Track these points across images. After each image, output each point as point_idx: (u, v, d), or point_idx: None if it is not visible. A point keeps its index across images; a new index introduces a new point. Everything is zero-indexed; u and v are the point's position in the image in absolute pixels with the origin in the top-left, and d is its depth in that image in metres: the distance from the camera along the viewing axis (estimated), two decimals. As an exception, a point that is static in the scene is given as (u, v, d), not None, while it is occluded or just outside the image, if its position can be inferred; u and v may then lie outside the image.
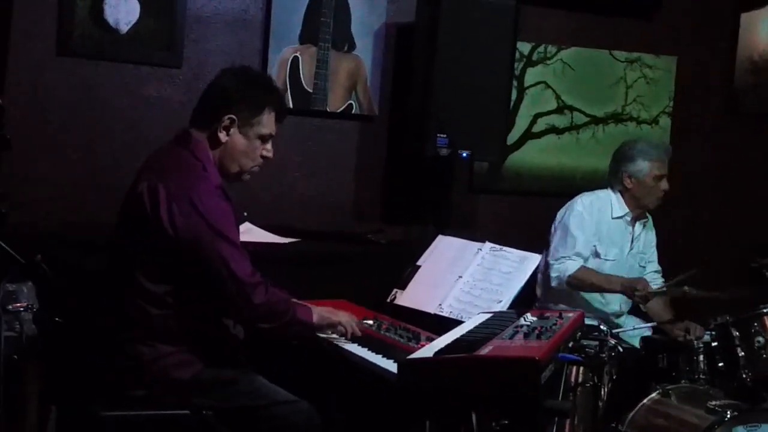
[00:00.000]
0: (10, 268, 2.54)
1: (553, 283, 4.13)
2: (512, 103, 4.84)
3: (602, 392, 3.47)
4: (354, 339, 3.14)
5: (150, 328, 2.86)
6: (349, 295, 3.55)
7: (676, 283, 3.95)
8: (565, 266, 4.10)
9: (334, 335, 3.15)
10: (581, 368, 3.39)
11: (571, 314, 2.97)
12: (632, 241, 4.31)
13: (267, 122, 3.02)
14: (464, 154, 4.33)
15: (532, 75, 4.97)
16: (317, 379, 3.27)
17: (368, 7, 4.55)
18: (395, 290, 3.57)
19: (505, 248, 3.50)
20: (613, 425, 3.59)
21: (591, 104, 5.12)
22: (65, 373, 2.98)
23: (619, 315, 4.32)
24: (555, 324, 2.79)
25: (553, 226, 4.28)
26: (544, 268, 4.22)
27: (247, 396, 2.91)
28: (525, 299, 3.48)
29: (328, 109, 4.53)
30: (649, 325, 4.12)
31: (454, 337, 2.78)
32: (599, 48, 5.11)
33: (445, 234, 3.77)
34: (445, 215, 4.41)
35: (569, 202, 4.29)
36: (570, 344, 2.83)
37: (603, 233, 4.23)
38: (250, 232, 3.84)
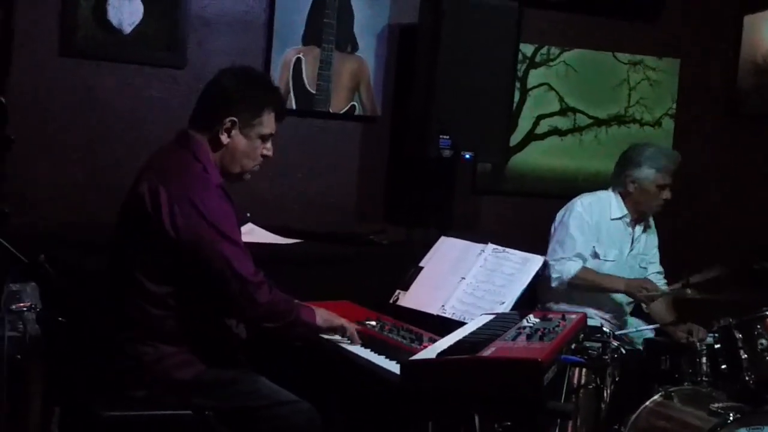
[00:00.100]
0: (13, 268, 2.54)
1: (554, 284, 4.12)
2: (515, 105, 4.84)
3: (605, 394, 3.47)
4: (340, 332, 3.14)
5: (152, 328, 2.86)
6: (352, 296, 3.54)
7: (697, 283, 3.93)
8: (566, 267, 4.10)
9: (337, 336, 3.15)
10: (584, 370, 3.39)
11: (573, 316, 2.97)
12: (632, 243, 4.31)
13: (267, 122, 3.02)
14: (467, 156, 4.33)
15: (535, 76, 4.97)
16: (319, 380, 3.26)
17: (371, 8, 4.55)
18: (398, 291, 3.57)
19: (507, 249, 3.50)
20: (616, 427, 3.59)
21: (594, 106, 5.12)
22: (68, 373, 2.98)
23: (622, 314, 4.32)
24: (558, 326, 2.79)
25: (552, 226, 4.28)
26: (542, 269, 4.21)
27: (248, 396, 2.91)
28: (527, 301, 3.48)
29: (330, 110, 4.53)
30: (652, 327, 4.12)
31: (457, 339, 2.78)
32: (602, 50, 5.11)
33: (447, 235, 3.77)
34: (447, 216, 4.41)
35: (569, 203, 4.29)
36: (573, 346, 2.83)
37: (602, 234, 4.22)
38: (253, 233, 3.84)
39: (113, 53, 4.11)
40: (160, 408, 2.84)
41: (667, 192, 4.20)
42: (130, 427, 2.81)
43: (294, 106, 4.43)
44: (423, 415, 2.89)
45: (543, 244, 4.22)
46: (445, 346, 2.66)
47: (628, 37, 5.17)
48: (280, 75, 4.37)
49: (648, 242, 4.38)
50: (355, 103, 4.58)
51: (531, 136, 5.01)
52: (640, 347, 3.99)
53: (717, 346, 3.73)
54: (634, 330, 4.12)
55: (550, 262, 4.13)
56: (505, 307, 3.24)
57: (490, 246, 3.54)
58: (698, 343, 3.76)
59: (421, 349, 2.83)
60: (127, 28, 4.12)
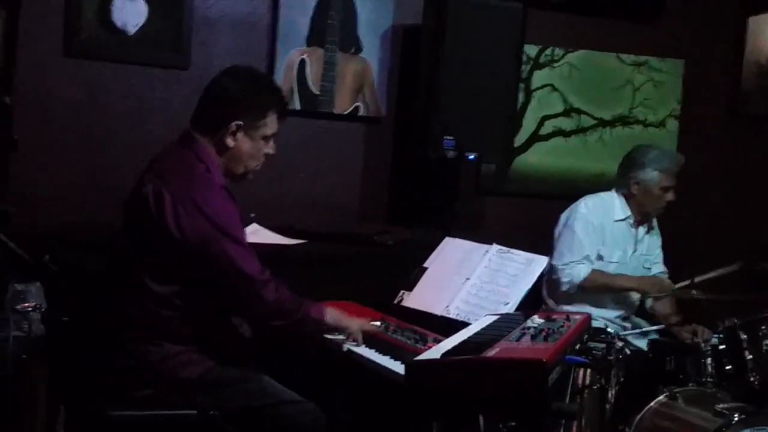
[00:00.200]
0: (17, 268, 2.54)
1: (564, 288, 4.12)
2: (519, 106, 4.84)
3: (609, 395, 3.46)
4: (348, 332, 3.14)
5: (156, 327, 2.87)
6: (355, 297, 3.54)
7: (712, 278, 3.93)
8: (576, 270, 4.10)
9: (341, 336, 3.15)
10: (588, 370, 3.38)
11: (578, 316, 2.96)
12: (636, 244, 4.30)
13: (271, 123, 3.03)
14: (471, 157, 4.33)
15: (539, 77, 4.97)
16: (324, 380, 3.27)
17: (375, 9, 4.56)
18: (402, 292, 3.57)
19: (512, 250, 3.49)
20: (621, 428, 3.58)
21: (598, 107, 5.12)
22: (73, 372, 2.98)
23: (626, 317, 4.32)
24: (562, 326, 2.78)
25: (556, 229, 4.27)
26: (549, 272, 4.21)
27: (253, 396, 2.91)
28: (532, 301, 3.48)
29: (334, 111, 4.53)
30: (656, 327, 4.11)
31: (462, 339, 2.77)
32: (606, 51, 5.11)
33: (451, 236, 3.77)
34: (451, 217, 4.41)
35: (572, 205, 4.29)
36: (577, 346, 2.83)
37: (606, 236, 4.22)
38: (257, 233, 3.84)
39: (117, 54, 4.11)
40: (165, 407, 2.84)
41: (671, 194, 4.20)
42: (136, 426, 2.81)
43: (298, 107, 4.43)
44: (427, 415, 2.88)
45: (547, 244, 4.22)
46: (449, 347, 2.66)
47: (632, 38, 5.17)
48: (284, 76, 4.37)
49: (651, 243, 4.38)
50: (359, 104, 4.58)
51: (535, 137, 5.01)
52: (645, 348, 3.99)
53: (722, 346, 3.73)
54: (639, 331, 4.11)
55: (559, 267, 4.13)
56: (510, 308, 3.24)
57: (495, 246, 3.54)
58: (703, 344, 3.75)
59: (426, 350, 2.83)
60: (131, 29, 4.12)
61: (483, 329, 2.91)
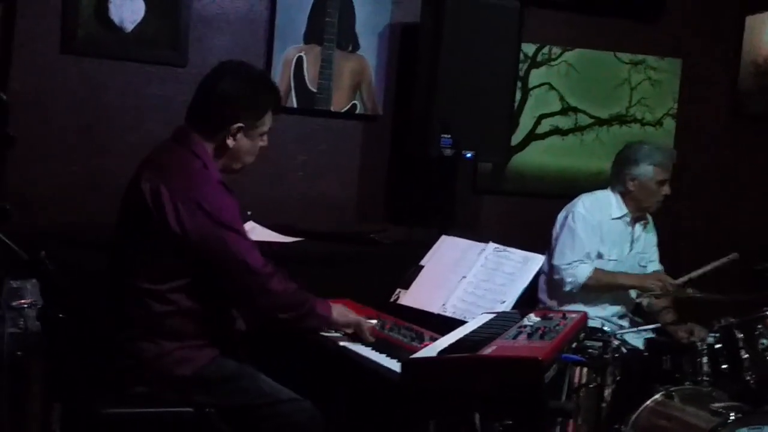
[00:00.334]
0: (13, 265, 2.54)
1: (567, 288, 4.12)
2: (516, 104, 4.84)
3: (605, 393, 3.47)
4: (358, 339, 3.14)
5: (152, 325, 2.87)
6: (353, 295, 3.54)
7: (712, 270, 3.93)
8: (580, 270, 4.10)
9: (337, 334, 3.15)
10: (585, 369, 3.38)
11: (574, 315, 2.97)
12: (632, 242, 4.31)
13: (268, 120, 3.06)
14: (468, 155, 4.32)
15: (536, 76, 4.97)
16: (320, 378, 3.27)
17: (373, 7, 4.55)
18: (398, 290, 3.57)
19: (508, 249, 3.49)
20: (617, 426, 3.58)
21: (595, 106, 5.12)
22: (69, 370, 2.98)
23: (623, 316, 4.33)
24: (558, 325, 2.79)
25: (554, 229, 4.28)
26: (549, 272, 4.21)
27: (249, 394, 2.91)
28: (528, 300, 3.48)
29: (332, 109, 4.53)
30: (653, 326, 4.11)
31: (458, 337, 2.78)
32: (604, 50, 5.11)
33: (448, 234, 3.77)
34: (448, 215, 4.40)
35: (569, 205, 4.30)
36: (573, 345, 2.83)
37: (604, 234, 4.23)
38: (254, 231, 3.84)
39: (115, 51, 4.11)
40: (161, 405, 2.85)
41: (667, 187, 4.22)
42: (131, 424, 2.81)
43: (295, 105, 4.43)
44: (424, 413, 2.88)
45: (544, 243, 4.22)
46: (445, 345, 2.66)
47: (629, 36, 5.17)
48: (281, 73, 4.37)
49: (647, 241, 4.39)
50: (357, 102, 4.58)
51: (532, 136, 5.01)
52: (641, 347, 3.99)
53: (718, 345, 3.72)
54: (635, 329, 4.12)
55: (562, 267, 4.13)
56: (506, 306, 3.24)
57: (492, 245, 3.54)
58: (699, 343, 3.76)
59: (422, 348, 2.83)
60: (129, 27, 4.12)
61: (479, 327, 2.92)
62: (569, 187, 4.76)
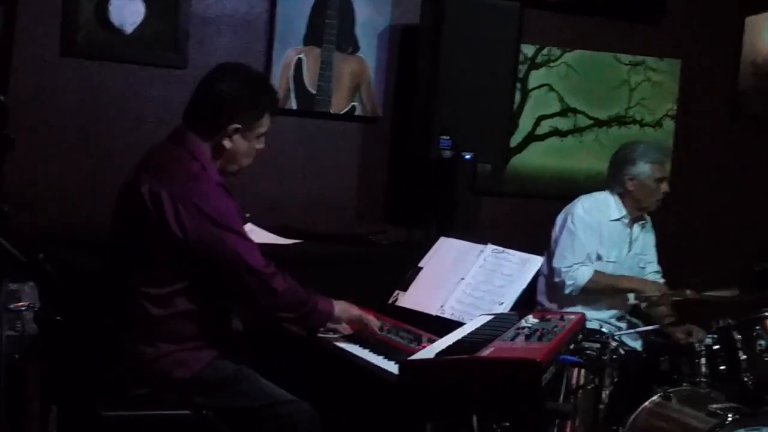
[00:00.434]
0: (10, 267, 2.54)
1: (567, 290, 4.12)
2: (516, 106, 4.84)
3: (603, 395, 3.47)
4: (355, 340, 3.14)
5: (151, 327, 2.87)
6: (351, 296, 3.53)
7: (714, 297, 3.93)
8: (580, 273, 4.10)
9: (335, 335, 3.16)
10: (582, 370, 3.39)
11: (572, 316, 2.97)
12: (631, 243, 4.32)
13: (265, 122, 3.06)
14: (467, 156, 4.32)
15: (535, 77, 4.97)
16: (318, 380, 3.27)
17: (373, 8, 4.56)
18: (397, 292, 3.58)
19: (507, 250, 3.50)
20: (614, 428, 3.59)
21: (595, 107, 5.12)
22: (66, 372, 2.98)
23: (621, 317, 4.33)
24: (556, 326, 2.79)
25: (553, 231, 4.28)
26: (549, 275, 4.21)
27: (248, 396, 2.92)
28: (526, 301, 3.48)
29: (331, 111, 4.53)
30: (651, 328, 4.12)
31: (456, 339, 2.78)
32: (603, 51, 5.11)
33: (447, 236, 3.77)
34: (447, 217, 4.41)
35: (568, 206, 4.30)
36: (571, 346, 2.83)
37: (604, 235, 4.23)
38: (253, 233, 3.83)
39: (115, 53, 4.11)
40: (160, 407, 2.85)
41: (665, 184, 4.23)
42: (129, 426, 2.82)
43: (295, 107, 4.44)
44: (421, 415, 2.88)
45: (543, 244, 4.22)
46: (443, 347, 2.66)
47: (629, 38, 5.17)
48: (281, 75, 4.38)
49: (646, 242, 4.39)
50: (356, 104, 4.58)
51: (531, 137, 5.01)
52: (639, 348, 4.00)
53: (716, 347, 3.73)
54: (633, 331, 4.12)
55: (562, 270, 4.13)
56: (504, 308, 3.24)
57: (490, 246, 3.54)
58: (697, 344, 3.76)
59: (420, 350, 2.84)
60: (129, 28, 4.12)
61: (477, 329, 2.92)
62: (568, 189, 4.76)
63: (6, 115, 2.81)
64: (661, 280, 4.34)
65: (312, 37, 4.45)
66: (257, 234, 3.85)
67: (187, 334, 2.91)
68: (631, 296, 4.26)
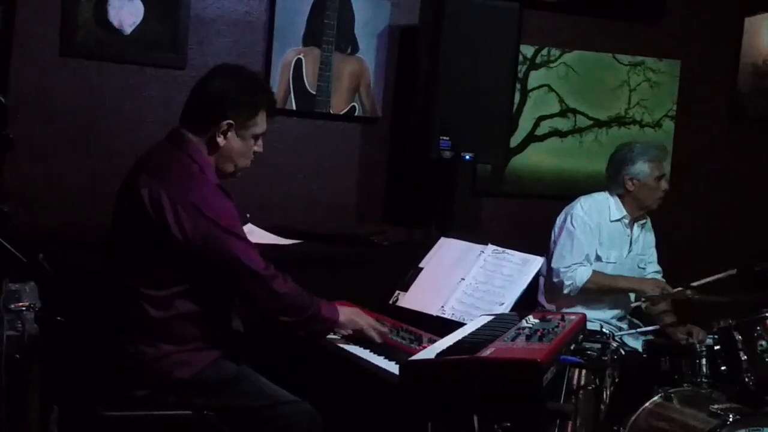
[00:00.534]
0: (11, 267, 2.54)
1: (566, 291, 4.12)
2: (515, 106, 4.84)
3: (604, 395, 3.47)
4: (356, 340, 3.14)
5: (151, 328, 2.87)
6: (351, 297, 3.53)
7: (711, 282, 3.94)
8: (578, 273, 4.10)
9: (336, 336, 3.15)
10: (583, 371, 3.39)
11: (573, 317, 2.97)
12: (631, 244, 4.32)
13: (261, 122, 3.04)
14: (467, 157, 4.32)
15: (535, 78, 4.97)
16: (319, 380, 3.27)
17: (372, 9, 4.55)
18: (397, 292, 3.57)
19: (507, 251, 3.50)
20: (615, 428, 3.59)
21: (594, 107, 5.12)
22: (67, 372, 2.98)
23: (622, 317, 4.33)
24: (557, 326, 2.79)
25: (553, 232, 4.28)
26: (548, 275, 4.21)
27: (249, 396, 2.91)
28: (527, 302, 3.48)
29: (331, 111, 4.53)
30: (651, 328, 4.12)
31: (456, 339, 2.78)
32: (602, 51, 5.11)
33: (447, 236, 3.77)
34: (447, 217, 4.41)
35: (567, 207, 4.30)
36: (572, 347, 2.83)
37: (603, 236, 4.24)
38: (253, 234, 3.82)
39: (114, 54, 4.11)
40: (160, 408, 2.84)
41: (665, 182, 4.25)
42: (130, 426, 2.81)
43: (294, 107, 4.43)
44: (422, 415, 2.88)
45: (543, 244, 4.22)
46: (444, 347, 2.66)
47: (628, 38, 5.17)
48: (280, 76, 4.37)
49: (646, 242, 4.40)
50: (356, 104, 4.58)
51: (531, 138, 5.00)
52: (640, 349, 3.99)
53: (717, 347, 3.73)
54: (634, 331, 4.12)
55: (561, 270, 4.13)
56: (505, 308, 3.24)
57: (490, 247, 3.54)
58: (698, 345, 3.76)
59: (421, 350, 2.83)
60: (128, 29, 4.12)
61: (478, 329, 2.92)
62: (568, 189, 4.76)
63: (5, 115, 2.81)
64: (662, 281, 4.33)
65: (311, 38, 4.44)
66: (257, 234, 3.84)
67: (187, 335, 2.90)
68: (632, 296, 4.26)
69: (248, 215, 3.85)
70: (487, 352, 2.46)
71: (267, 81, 4.22)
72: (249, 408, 2.91)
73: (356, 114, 4.59)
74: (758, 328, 3.67)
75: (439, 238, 3.77)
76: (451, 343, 2.72)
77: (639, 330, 4.13)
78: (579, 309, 4.03)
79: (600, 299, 4.21)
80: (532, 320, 2.90)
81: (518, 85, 4.83)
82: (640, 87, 5.19)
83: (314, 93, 4.47)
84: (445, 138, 4.22)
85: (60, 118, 4.05)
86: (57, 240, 3.62)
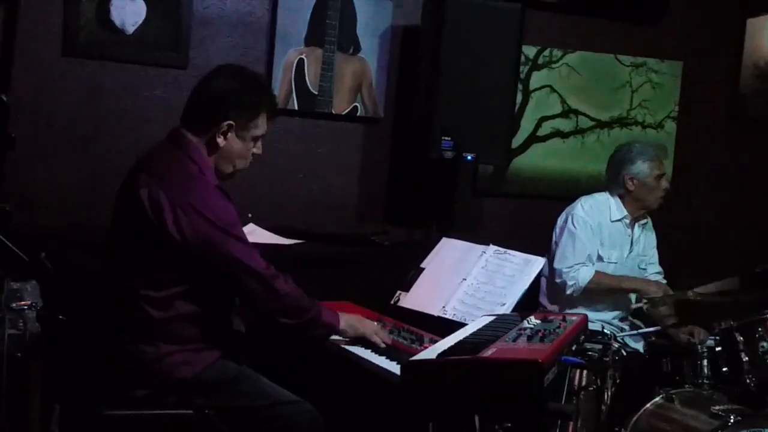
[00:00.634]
0: (13, 266, 2.54)
1: (569, 291, 4.12)
2: (517, 107, 4.84)
3: (606, 396, 3.46)
4: (358, 341, 3.13)
5: (152, 328, 2.86)
6: (353, 297, 3.55)
7: (713, 292, 3.93)
8: (581, 274, 4.10)
9: (338, 336, 3.15)
10: (584, 371, 3.38)
11: (574, 317, 2.97)
12: (632, 244, 4.32)
13: (262, 124, 3.03)
14: (469, 157, 4.32)
15: (537, 78, 4.97)
16: (320, 380, 3.27)
17: (374, 9, 4.55)
18: (399, 292, 3.58)
19: (508, 251, 3.50)
20: (616, 429, 3.59)
21: (596, 108, 5.12)
22: (68, 371, 2.98)
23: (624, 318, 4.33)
24: (558, 327, 2.79)
25: (554, 233, 4.28)
26: (550, 276, 4.21)
27: (249, 396, 2.91)
28: (528, 302, 3.48)
29: (333, 111, 4.53)
30: (653, 329, 4.12)
31: (458, 339, 2.78)
32: (605, 52, 5.11)
33: (449, 236, 3.77)
34: (449, 218, 4.41)
35: (568, 208, 4.30)
36: (573, 347, 2.83)
37: (604, 236, 4.24)
38: (254, 234, 3.84)
39: (116, 53, 4.11)
40: (161, 407, 2.84)
41: (665, 181, 4.25)
42: (131, 426, 2.81)
43: (296, 107, 4.43)
44: (423, 415, 2.88)
45: (544, 245, 4.22)
46: (445, 347, 2.66)
47: (630, 39, 5.17)
48: (282, 76, 4.37)
49: (647, 243, 4.39)
50: (358, 105, 4.58)
51: (533, 138, 5.00)
52: (641, 350, 3.99)
53: (718, 348, 3.73)
54: (636, 332, 4.12)
55: (563, 270, 4.13)
56: (506, 309, 3.24)
57: (492, 247, 3.54)
58: (699, 346, 3.76)
59: (422, 350, 2.83)
60: (130, 29, 4.12)
61: (479, 330, 2.92)
62: (570, 190, 4.76)
63: (7, 114, 2.81)
64: (663, 281, 4.33)
65: (313, 38, 4.44)
66: (259, 234, 3.85)
67: (188, 335, 2.90)
68: (633, 297, 4.25)
69: (250, 215, 3.85)
70: (488, 353, 2.47)
71: (269, 81, 4.23)
72: (250, 408, 2.91)
73: (358, 114, 4.59)
74: (760, 329, 3.67)
75: (440, 239, 3.77)
76: (452, 343, 2.73)
77: (640, 331, 4.13)
78: (581, 310, 4.03)
79: (601, 300, 4.21)
80: (533, 321, 2.91)
81: (520, 86, 4.83)
82: (642, 88, 5.19)
83: (316, 93, 4.47)
84: (446, 138, 4.22)
85: (62, 117, 4.06)
86: (58, 239, 3.62)
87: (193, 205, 2.82)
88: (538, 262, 3.42)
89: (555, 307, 4.18)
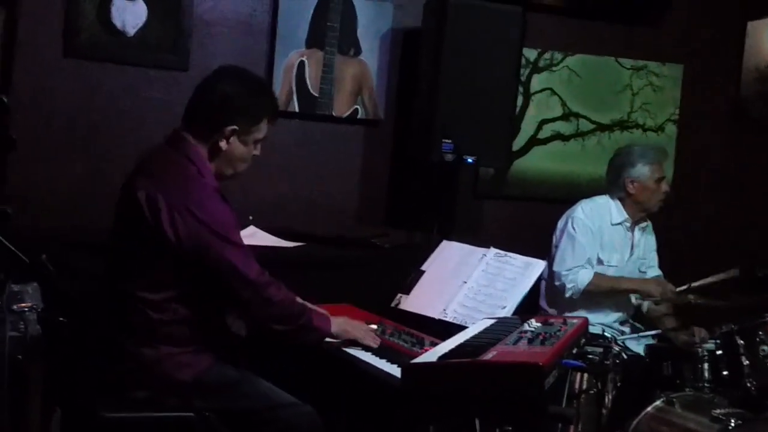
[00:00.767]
0: (14, 268, 2.53)
1: (568, 294, 4.11)
2: (518, 109, 4.84)
3: (606, 399, 3.46)
4: (353, 343, 3.13)
5: (152, 331, 2.86)
6: (353, 300, 3.54)
7: (713, 283, 3.94)
8: (580, 276, 4.09)
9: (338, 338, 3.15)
10: (585, 375, 3.38)
11: (575, 321, 2.96)
12: (632, 247, 4.32)
13: (263, 128, 3.02)
14: (469, 160, 4.32)
15: (538, 81, 4.97)
16: (320, 383, 3.26)
17: (375, 12, 4.56)
18: (399, 295, 3.57)
19: (509, 254, 3.49)
20: (617, 432, 3.59)
21: (597, 111, 5.12)
22: (69, 374, 2.98)
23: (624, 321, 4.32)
24: (559, 330, 2.78)
25: (554, 236, 4.28)
26: (550, 279, 4.20)
27: (249, 398, 2.90)
28: (529, 305, 3.47)
29: (333, 114, 4.53)
30: (654, 332, 4.12)
31: (458, 342, 2.77)
32: (605, 55, 5.11)
33: (449, 239, 3.77)
34: (449, 220, 4.41)
35: (568, 211, 4.30)
36: (574, 351, 2.83)
37: (605, 239, 4.23)
38: (255, 236, 3.84)
39: (117, 55, 4.12)
40: (161, 409, 2.84)
41: (665, 184, 4.25)
42: (132, 428, 2.81)
43: (297, 110, 4.43)
44: (424, 418, 2.88)
45: (545, 248, 4.22)
46: (446, 350, 2.65)
47: (631, 42, 5.18)
48: (283, 78, 4.37)
49: (647, 246, 4.39)
50: (358, 107, 4.58)
51: (534, 141, 5.01)
52: (642, 353, 3.99)
53: (719, 352, 3.72)
54: (636, 335, 4.11)
55: (562, 273, 4.12)
56: (507, 312, 3.24)
57: (492, 250, 3.54)
58: (700, 348, 3.75)
59: (423, 353, 2.83)
60: (131, 30, 4.13)
61: (480, 333, 2.91)
62: (571, 193, 4.76)
63: (8, 115, 2.81)
64: (665, 280, 4.32)
65: (314, 40, 4.45)
66: (259, 237, 3.85)
67: (187, 338, 2.89)
68: (633, 297, 4.25)
69: (251, 218, 3.85)
70: (489, 356, 2.46)
71: (270, 83, 4.23)
72: (250, 410, 2.90)
73: (359, 116, 4.59)
74: (760, 333, 3.66)
75: (440, 241, 3.77)
76: (453, 346, 2.72)
77: (641, 334, 4.13)
78: (581, 313, 4.03)
79: (602, 303, 4.20)
80: (534, 324, 2.90)
81: (521, 89, 4.84)
82: (642, 91, 5.20)
83: (317, 95, 4.48)
84: (447, 141, 4.22)
85: (62, 118, 4.06)
86: (59, 241, 3.61)
87: (191, 208, 2.81)
88: (538, 265, 3.42)
89: (555, 310, 4.18)
